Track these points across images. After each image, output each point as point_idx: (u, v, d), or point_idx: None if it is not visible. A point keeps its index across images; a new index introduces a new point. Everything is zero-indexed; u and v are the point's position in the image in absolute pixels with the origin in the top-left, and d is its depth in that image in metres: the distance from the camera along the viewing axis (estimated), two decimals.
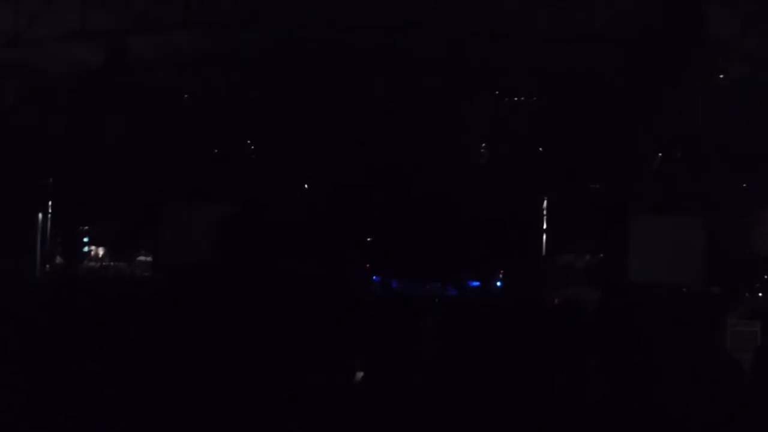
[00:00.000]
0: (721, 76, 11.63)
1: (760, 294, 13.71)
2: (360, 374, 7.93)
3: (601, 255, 15.20)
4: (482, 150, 15.40)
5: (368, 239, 17.32)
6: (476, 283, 16.77)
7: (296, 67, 12.48)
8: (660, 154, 13.53)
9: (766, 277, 13.99)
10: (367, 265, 16.97)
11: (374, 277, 16.66)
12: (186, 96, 13.31)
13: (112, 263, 15.07)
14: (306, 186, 16.54)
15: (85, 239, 15.73)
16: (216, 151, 14.37)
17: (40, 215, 14.10)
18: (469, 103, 14.23)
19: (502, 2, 10.33)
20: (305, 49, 11.89)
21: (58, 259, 14.94)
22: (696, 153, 12.75)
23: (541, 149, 14.91)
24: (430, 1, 10.33)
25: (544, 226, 16.01)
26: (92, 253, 15.84)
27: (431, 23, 10.47)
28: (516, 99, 14.30)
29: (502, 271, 16.47)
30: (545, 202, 16.08)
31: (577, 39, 10.33)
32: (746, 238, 13.27)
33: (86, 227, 15.64)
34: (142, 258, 15.04)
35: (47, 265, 14.26)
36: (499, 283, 16.62)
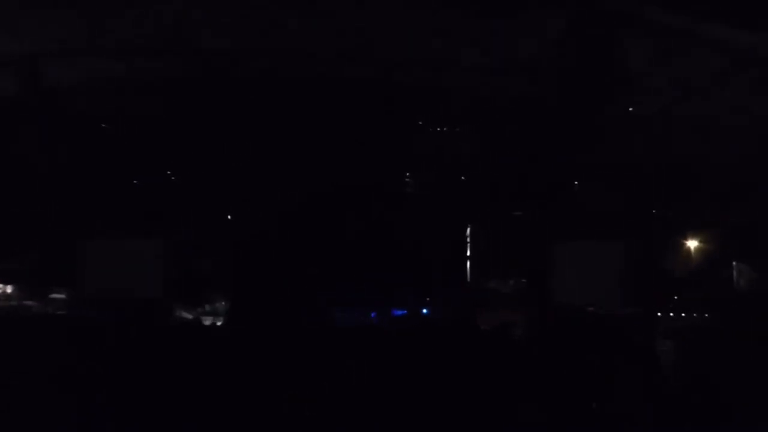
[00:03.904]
0: (630, 109, 12.32)
1: (672, 314, 14.38)
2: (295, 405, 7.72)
3: (524, 280, 15.57)
4: (407, 179, 15.60)
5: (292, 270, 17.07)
6: (401, 312, 16.78)
7: (221, 95, 12.33)
8: (576, 182, 14.09)
9: (676, 297, 14.70)
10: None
11: None
12: (104, 125, 12.85)
13: (22, 302, 14.18)
14: (229, 217, 16.20)
15: None
16: (135, 182, 13.89)
17: None
18: (393, 132, 14.41)
19: (426, 32, 10.57)
20: (231, 77, 11.79)
21: None
22: (613, 181, 13.37)
23: (464, 177, 15.26)
24: (359, 31, 10.46)
25: (469, 253, 16.27)
26: None
27: (360, 53, 10.62)
28: (440, 129, 14.63)
29: (428, 299, 16.58)
30: (469, 230, 16.37)
31: (502, 69, 10.69)
32: (660, 261, 13.95)
33: None
34: (55, 296, 14.22)
35: None
36: (425, 311, 16.71)
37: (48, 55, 10.87)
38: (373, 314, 15.85)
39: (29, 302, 13.94)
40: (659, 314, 13.65)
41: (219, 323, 13.10)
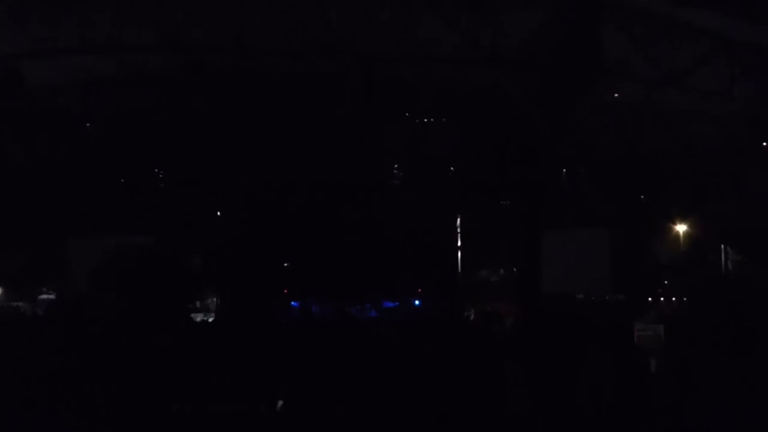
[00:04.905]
0: (616, 95, 12.34)
1: (662, 299, 14.46)
2: (281, 403, 7.74)
3: (514, 269, 15.63)
4: (395, 171, 15.59)
5: (285, 264, 17.09)
6: (393, 303, 16.80)
7: (207, 92, 12.28)
8: (564, 170, 14.11)
9: (666, 282, 14.77)
10: (285, 291, 16.72)
11: (292, 303, 16.40)
12: (89, 124, 12.80)
13: (11, 303, 14.11)
14: (219, 213, 16.19)
15: None
16: (123, 180, 13.85)
17: None
18: (381, 125, 14.41)
19: (413, 26, 10.59)
20: (216, 73, 11.74)
21: None
22: (600, 170, 13.41)
23: (452, 168, 15.26)
24: (342, 26, 10.45)
25: (459, 244, 16.32)
26: None
27: (343, 47, 10.60)
28: (427, 120, 14.60)
29: (420, 290, 16.63)
30: (458, 220, 16.41)
31: (486, 61, 10.70)
32: (647, 249, 14.00)
33: None
34: (44, 296, 14.17)
35: None
36: (417, 302, 16.74)
37: (30, 55, 10.81)
38: (367, 306, 15.93)
39: (17, 303, 13.89)
40: (648, 299, 13.73)
41: (210, 320, 13.04)
